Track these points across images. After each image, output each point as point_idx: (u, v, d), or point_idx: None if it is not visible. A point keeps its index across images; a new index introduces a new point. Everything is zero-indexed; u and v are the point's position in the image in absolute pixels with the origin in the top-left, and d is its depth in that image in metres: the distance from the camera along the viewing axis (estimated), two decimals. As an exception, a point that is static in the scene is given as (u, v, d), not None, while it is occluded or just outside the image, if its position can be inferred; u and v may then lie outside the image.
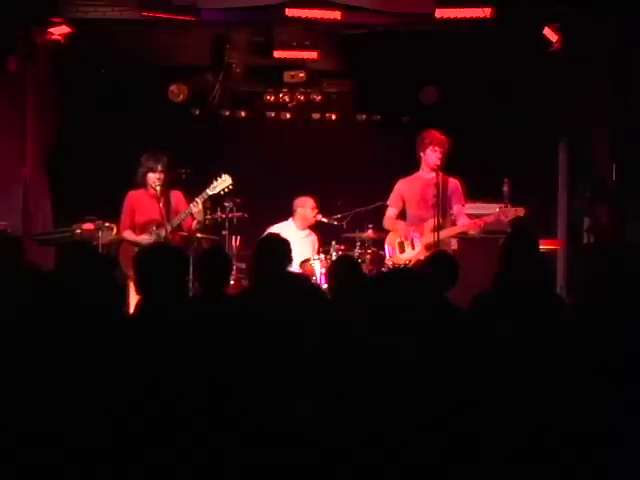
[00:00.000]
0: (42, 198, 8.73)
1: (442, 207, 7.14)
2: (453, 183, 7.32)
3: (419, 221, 7.25)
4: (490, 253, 7.05)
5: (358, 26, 8.54)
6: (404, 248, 7.31)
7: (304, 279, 6.26)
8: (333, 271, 5.24)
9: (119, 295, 3.61)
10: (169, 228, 7.11)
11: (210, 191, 7.25)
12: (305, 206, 8.34)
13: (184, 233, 7.36)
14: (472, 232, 7.23)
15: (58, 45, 8.54)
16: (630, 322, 2.84)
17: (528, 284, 3.78)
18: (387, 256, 7.43)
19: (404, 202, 7.43)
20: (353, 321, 3.36)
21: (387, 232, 7.52)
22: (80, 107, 9.09)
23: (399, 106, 9.78)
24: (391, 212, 7.48)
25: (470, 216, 7.29)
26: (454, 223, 7.33)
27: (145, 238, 7.14)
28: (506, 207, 7.14)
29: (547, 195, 9.07)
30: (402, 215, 7.50)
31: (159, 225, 7.16)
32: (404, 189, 7.43)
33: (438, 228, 6.96)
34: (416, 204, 7.32)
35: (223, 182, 7.32)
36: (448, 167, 7.24)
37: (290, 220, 8.41)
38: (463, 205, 7.36)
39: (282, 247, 4.97)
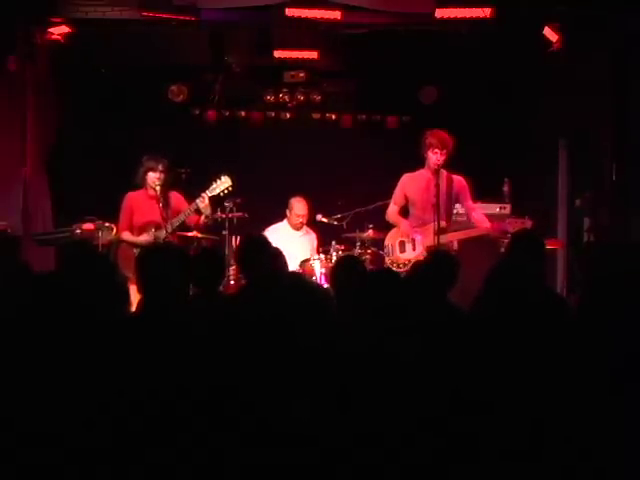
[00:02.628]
0: (42, 198, 8.73)
1: (446, 208, 7.06)
2: (459, 182, 7.19)
3: (422, 222, 7.11)
4: (490, 253, 7.09)
5: (358, 26, 8.53)
6: (405, 248, 7.18)
7: (305, 278, 6.27)
8: (334, 271, 5.23)
9: (121, 294, 3.60)
10: (169, 229, 7.10)
11: (209, 192, 7.22)
12: (291, 209, 8.33)
13: (184, 234, 7.36)
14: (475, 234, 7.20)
15: (58, 45, 8.54)
16: (630, 322, 2.84)
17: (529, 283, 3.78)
18: (386, 255, 7.29)
19: (407, 199, 7.28)
20: (353, 321, 3.37)
21: (387, 232, 7.42)
22: (80, 107, 9.10)
23: (399, 106, 9.79)
24: (394, 208, 7.34)
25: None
26: (467, 224, 7.28)
27: (144, 239, 7.12)
28: (514, 218, 7.11)
29: (547, 195, 9.08)
30: (403, 213, 7.35)
31: (158, 227, 7.14)
32: (408, 185, 7.27)
33: (439, 229, 6.91)
34: (420, 205, 7.16)
35: (223, 184, 7.29)
36: (449, 167, 7.18)
37: (285, 221, 8.40)
38: (473, 202, 7.30)
39: (259, 247, 4.97)
